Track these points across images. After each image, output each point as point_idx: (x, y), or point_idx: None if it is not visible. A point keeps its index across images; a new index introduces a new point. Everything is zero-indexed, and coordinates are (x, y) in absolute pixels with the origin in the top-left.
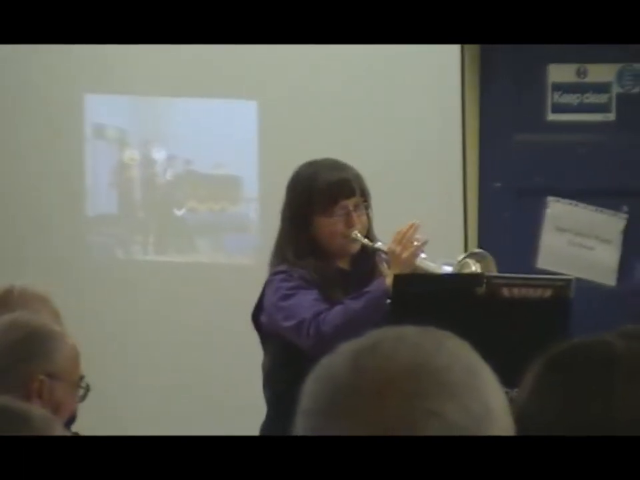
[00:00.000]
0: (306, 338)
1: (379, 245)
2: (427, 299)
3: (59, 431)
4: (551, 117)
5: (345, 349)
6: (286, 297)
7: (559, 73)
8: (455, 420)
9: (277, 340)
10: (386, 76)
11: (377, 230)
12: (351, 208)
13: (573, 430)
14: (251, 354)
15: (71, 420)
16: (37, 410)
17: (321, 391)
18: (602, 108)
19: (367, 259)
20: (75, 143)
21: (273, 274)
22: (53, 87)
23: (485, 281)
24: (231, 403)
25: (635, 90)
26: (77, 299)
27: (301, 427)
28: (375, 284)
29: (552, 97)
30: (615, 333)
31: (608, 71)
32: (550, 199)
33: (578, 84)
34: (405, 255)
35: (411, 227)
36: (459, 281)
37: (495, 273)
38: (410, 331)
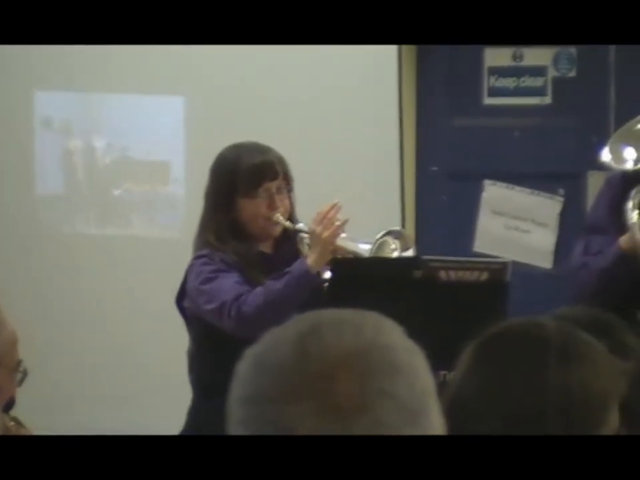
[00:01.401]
0: (227, 320)
1: (300, 226)
2: (364, 282)
3: None
4: (488, 100)
5: (286, 334)
6: (207, 281)
7: (495, 56)
8: (403, 398)
9: (200, 324)
10: (322, 55)
11: (313, 212)
12: (274, 191)
13: (503, 410)
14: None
15: (9, 404)
16: None
17: (265, 377)
18: (538, 91)
19: (289, 242)
20: (25, 133)
21: (195, 258)
22: (7, 84)
23: (421, 263)
24: (164, 379)
25: (571, 74)
26: (28, 270)
27: (241, 414)
28: (296, 264)
29: (488, 81)
30: (549, 315)
31: (544, 54)
32: (486, 182)
33: (514, 68)
34: (325, 234)
35: (332, 207)
36: (396, 264)
37: (432, 256)
38: (347, 313)
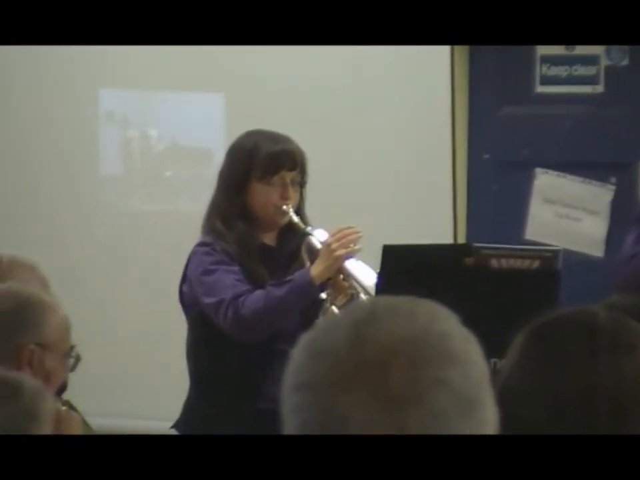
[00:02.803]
0: (223, 318)
1: (309, 229)
2: (416, 270)
3: (49, 399)
4: (540, 89)
5: (341, 321)
6: (208, 272)
7: (547, 45)
8: (458, 386)
9: (197, 313)
10: (373, 48)
11: (369, 200)
12: (288, 181)
13: (553, 398)
14: None
15: (61, 389)
16: (27, 379)
17: (319, 364)
18: (590, 80)
19: (293, 237)
20: (91, 125)
21: (198, 245)
22: (76, 82)
23: (473, 251)
24: None
25: (623, 62)
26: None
27: (295, 401)
28: (299, 274)
29: (540, 70)
30: (601, 304)
31: None
32: (538, 170)
33: (566, 56)
34: (339, 252)
35: (354, 230)
36: (448, 251)
37: (483, 244)
38: (402, 301)
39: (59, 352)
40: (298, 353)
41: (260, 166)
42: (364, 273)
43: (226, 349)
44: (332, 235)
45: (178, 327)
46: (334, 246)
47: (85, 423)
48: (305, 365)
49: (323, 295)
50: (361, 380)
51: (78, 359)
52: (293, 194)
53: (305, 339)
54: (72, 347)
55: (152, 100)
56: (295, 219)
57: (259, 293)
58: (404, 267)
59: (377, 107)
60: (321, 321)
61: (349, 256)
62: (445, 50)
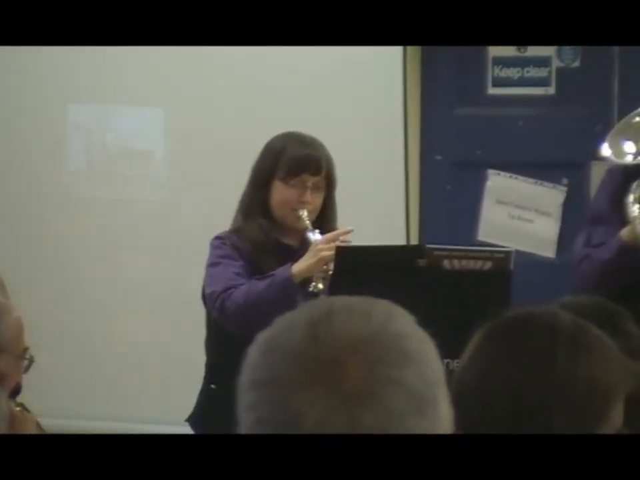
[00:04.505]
0: (213, 309)
1: (309, 235)
2: (369, 270)
3: (3, 401)
4: (492, 90)
5: (297, 320)
6: (212, 264)
7: (499, 47)
8: (413, 386)
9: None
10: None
11: None
12: (309, 185)
13: (507, 397)
14: None
15: (16, 391)
16: None
17: (275, 362)
18: (542, 82)
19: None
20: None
21: (213, 238)
22: (45, 96)
23: (426, 252)
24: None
25: (575, 64)
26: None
27: (250, 398)
28: (281, 269)
29: (492, 71)
30: (557, 305)
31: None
32: (490, 171)
33: (518, 58)
34: (324, 254)
35: (346, 232)
36: (400, 252)
37: (436, 245)
38: (359, 301)
39: (13, 353)
40: (254, 351)
41: (283, 166)
42: None
43: (231, 343)
44: (325, 236)
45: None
46: (320, 247)
47: (38, 424)
48: (261, 362)
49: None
50: (317, 377)
51: (32, 360)
52: (313, 199)
53: (261, 337)
54: (26, 349)
55: (109, 111)
56: (306, 223)
57: (243, 287)
58: (357, 268)
59: (328, 107)
60: (277, 319)
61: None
62: (397, 50)
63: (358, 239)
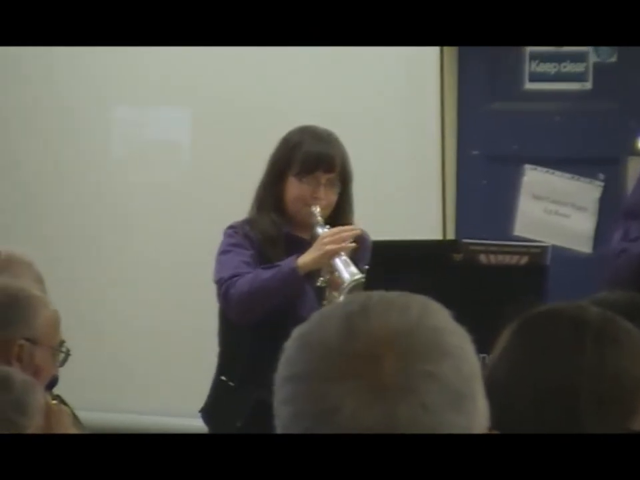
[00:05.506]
0: (218, 297)
1: (318, 229)
2: (404, 264)
3: (39, 394)
4: (528, 85)
5: (334, 314)
6: (222, 252)
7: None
8: (449, 380)
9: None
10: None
11: (357, 195)
12: (323, 182)
13: (539, 392)
14: None
15: (51, 383)
16: (17, 373)
17: (311, 356)
18: (579, 77)
19: None
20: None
21: (227, 227)
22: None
23: (461, 247)
24: None
25: (611, 59)
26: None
27: (286, 392)
28: (287, 260)
29: (529, 66)
30: (589, 300)
31: None
32: (527, 166)
33: (555, 53)
34: (329, 247)
35: (352, 230)
36: (436, 247)
37: (472, 240)
38: (396, 295)
39: (49, 347)
40: (291, 345)
41: (297, 163)
42: (348, 269)
43: (240, 334)
44: (330, 230)
45: (170, 320)
46: (326, 240)
47: (74, 416)
48: (298, 357)
49: (320, 283)
50: (353, 371)
51: (68, 353)
52: (326, 195)
53: (297, 331)
54: (62, 342)
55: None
56: (318, 219)
57: (249, 275)
58: (393, 263)
59: (365, 103)
60: (314, 314)
61: (339, 252)
62: (434, 47)
63: (394, 234)
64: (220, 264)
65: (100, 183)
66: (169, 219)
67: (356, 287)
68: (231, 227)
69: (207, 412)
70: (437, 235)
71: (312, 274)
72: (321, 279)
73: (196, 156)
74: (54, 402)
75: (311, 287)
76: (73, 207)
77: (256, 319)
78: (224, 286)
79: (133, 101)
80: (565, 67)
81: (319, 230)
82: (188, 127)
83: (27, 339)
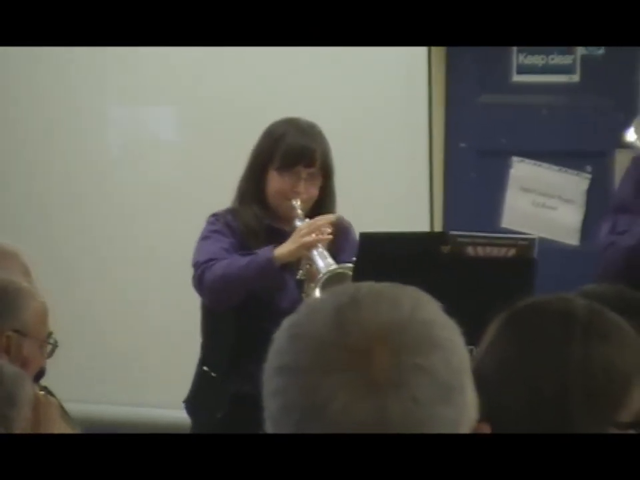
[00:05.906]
0: (193, 280)
1: (297, 222)
2: (392, 257)
3: (27, 385)
4: (516, 78)
5: (324, 306)
6: (203, 238)
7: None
8: (440, 374)
9: None
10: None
11: (345, 188)
12: (304, 176)
13: (527, 384)
14: None
15: (39, 375)
16: (6, 365)
17: (301, 348)
18: (567, 69)
19: None
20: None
21: (210, 215)
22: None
23: (449, 239)
24: None
25: (599, 52)
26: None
27: (276, 383)
28: (263, 249)
29: (517, 59)
30: (577, 292)
31: None
32: (514, 159)
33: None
34: (305, 238)
35: (328, 221)
36: (424, 239)
37: (460, 232)
38: (385, 287)
39: (37, 338)
40: (280, 336)
41: (279, 157)
42: (324, 261)
43: (222, 325)
44: (309, 222)
45: (163, 314)
46: (303, 231)
47: (62, 408)
48: (287, 348)
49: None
50: (343, 364)
51: (55, 345)
52: (307, 189)
53: (287, 322)
54: (50, 334)
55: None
56: (298, 212)
57: (225, 261)
58: (381, 255)
59: (353, 95)
60: (304, 304)
61: (315, 244)
62: None
63: (382, 226)
64: (199, 249)
65: (98, 181)
66: (167, 217)
67: (332, 277)
68: (213, 215)
69: (190, 403)
70: (425, 228)
71: (293, 266)
72: (300, 271)
73: (195, 156)
74: (42, 393)
75: (293, 279)
76: (71, 205)
77: (230, 304)
78: (199, 269)
79: (132, 100)
80: (552, 59)
81: (298, 223)
82: (187, 126)
83: (15, 331)
